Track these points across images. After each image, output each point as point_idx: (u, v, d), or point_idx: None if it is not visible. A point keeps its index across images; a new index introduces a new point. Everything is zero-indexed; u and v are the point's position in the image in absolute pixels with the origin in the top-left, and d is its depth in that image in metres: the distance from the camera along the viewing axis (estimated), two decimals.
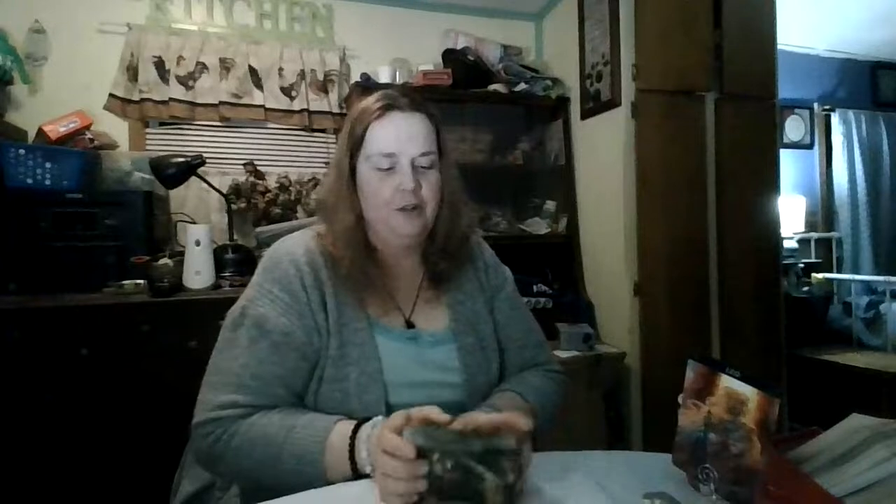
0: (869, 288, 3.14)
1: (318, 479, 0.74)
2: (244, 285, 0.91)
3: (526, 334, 1.04)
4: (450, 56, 2.59)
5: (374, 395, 0.82)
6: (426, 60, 2.59)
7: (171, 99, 2.33)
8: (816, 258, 3.47)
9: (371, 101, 0.89)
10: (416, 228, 0.88)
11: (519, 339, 1.02)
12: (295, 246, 0.89)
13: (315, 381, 0.84)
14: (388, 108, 0.88)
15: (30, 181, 1.86)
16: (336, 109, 2.58)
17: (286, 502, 0.69)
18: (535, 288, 2.40)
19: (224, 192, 2.25)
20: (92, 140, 2.13)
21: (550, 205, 2.66)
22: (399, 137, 0.86)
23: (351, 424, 0.76)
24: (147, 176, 2.06)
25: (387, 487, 0.66)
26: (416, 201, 0.86)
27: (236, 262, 2.00)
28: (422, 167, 0.88)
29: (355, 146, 0.89)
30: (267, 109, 2.47)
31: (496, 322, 1.01)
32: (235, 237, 2.15)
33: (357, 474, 0.74)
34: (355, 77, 2.54)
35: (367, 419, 0.76)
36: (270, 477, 0.77)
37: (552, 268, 2.60)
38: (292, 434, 0.76)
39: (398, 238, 0.89)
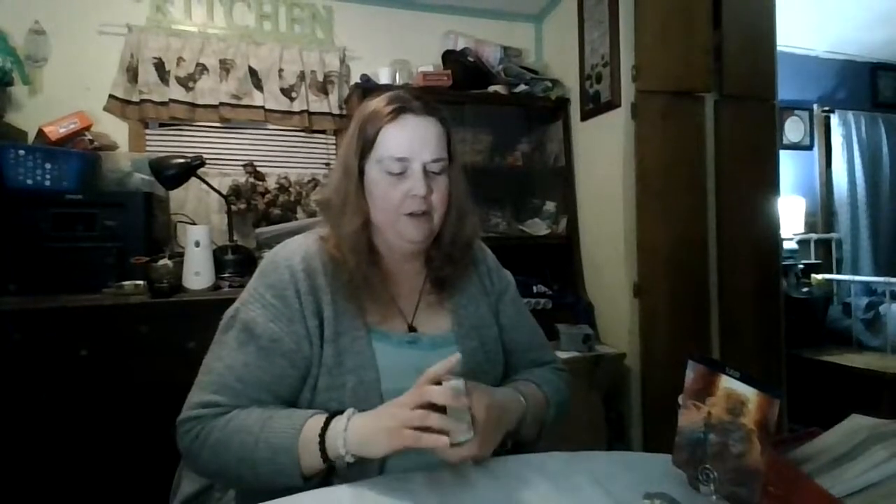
0: (868, 289, 3.15)
1: (293, 469, 0.74)
2: (243, 286, 0.91)
3: (531, 337, 1.05)
4: (450, 57, 2.59)
5: (370, 403, 0.81)
6: (426, 62, 2.59)
7: (171, 100, 2.33)
8: (816, 259, 3.47)
9: (383, 103, 0.88)
10: (423, 234, 0.87)
11: (524, 342, 1.03)
12: (294, 251, 0.89)
13: (308, 390, 0.84)
14: (401, 110, 0.86)
15: (30, 182, 1.86)
16: (336, 111, 2.58)
17: (285, 502, 0.69)
18: (534, 289, 2.40)
19: (224, 193, 2.25)
20: (92, 141, 2.13)
21: (550, 206, 2.66)
22: (412, 142, 0.85)
23: (324, 415, 0.77)
24: (147, 177, 2.06)
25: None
26: (426, 207, 0.86)
27: (236, 263, 2.00)
28: (432, 172, 0.87)
29: (365, 148, 0.87)
30: (267, 111, 2.47)
31: (501, 326, 1.01)
32: (235, 238, 2.15)
33: (328, 465, 0.74)
34: (355, 78, 2.54)
35: (341, 412, 0.77)
36: (248, 471, 0.76)
37: (552, 269, 2.60)
38: (268, 424, 0.76)
39: (404, 244, 0.89)
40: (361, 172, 0.89)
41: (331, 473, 0.78)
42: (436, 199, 0.87)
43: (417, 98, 0.90)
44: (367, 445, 0.72)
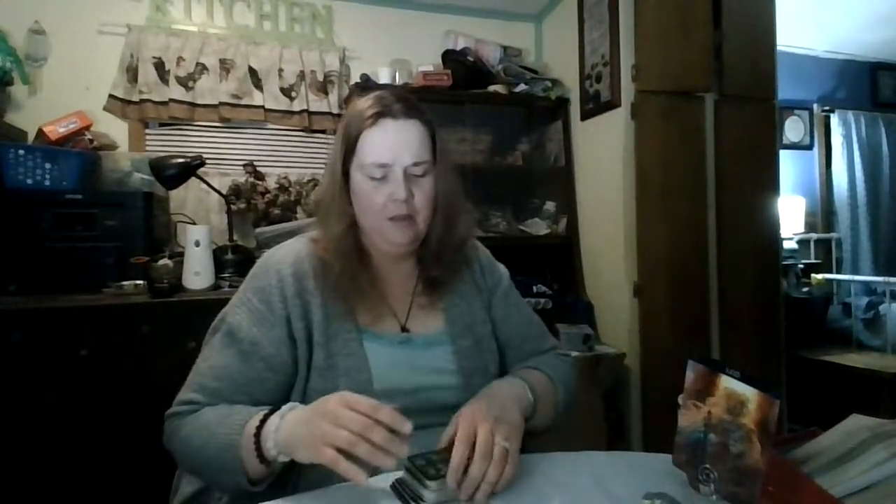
0: (868, 288, 3.14)
1: (238, 468, 0.72)
2: None
3: (527, 327, 1.04)
4: (449, 57, 2.60)
5: None
6: (426, 61, 2.59)
7: (170, 100, 2.33)
8: (816, 259, 3.47)
9: (364, 107, 0.87)
10: (407, 238, 0.87)
11: (521, 334, 1.02)
12: (285, 254, 0.89)
13: (297, 393, 0.84)
14: (380, 115, 0.85)
15: (29, 182, 1.86)
16: (336, 110, 2.58)
17: (283, 503, 0.69)
18: (534, 289, 2.40)
19: (224, 192, 2.25)
20: (91, 141, 2.13)
21: (550, 206, 2.66)
22: (392, 147, 0.84)
23: (264, 412, 0.74)
24: (147, 177, 2.06)
25: (336, 438, 0.63)
26: (409, 211, 0.85)
27: (236, 262, 2.01)
28: (415, 175, 0.86)
29: (348, 152, 0.88)
30: (267, 110, 2.47)
31: (495, 320, 1.00)
32: (235, 238, 2.15)
33: (264, 465, 0.71)
34: (355, 78, 2.54)
35: (277, 409, 0.74)
36: (205, 468, 0.77)
37: (552, 269, 2.60)
38: (224, 421, 0.76)
39: (390, 247, 0.89)
40: (347, 175, 0.89)
41: (286, 480, 0.77)
42: (419, 201, 0.86)
43: (400, 99, 0.88)
44: (292, 449, 0.69)
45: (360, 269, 0.89)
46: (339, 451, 0.63)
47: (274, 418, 0.72)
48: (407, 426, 0.65)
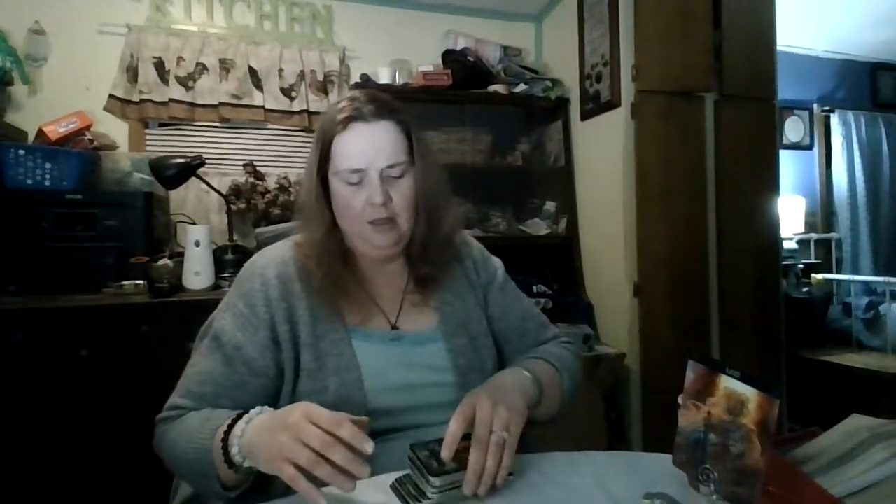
0: (868, 289, 3.14)
1: (212, 473, 0.72)
2: None
3: (525, 320, 1.03)
4: (449, 57, 2.60)
5: (354, 404, 0.80)
6: (426, 61, 2.59)
7: (170, 100, 2.33)
8: (816, 259, 3.47)
9: (336, 111, 0.85)
10: (389, 241, 0.86)
11: (519, 328, 1.01)
12: (270, 259, 0.89)
13: (286, 396, 0.84)
14: (351, 119, 0.83)
15: (30, 182, 1.87)
16: None
17: (283, 503, 0.69)
18: (534, 289, 2.40)
19: (224, 192, 2.25)
20: (91, 141, 2.13)
21: (550, 206, 2.66)
22: (365, 152, 0.83)
23: (234, 416, 0.74)
24: (147, 177, 2.06)
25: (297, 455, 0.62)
26: (388, 214, 0.84)
27: (236, 262, 2.00)
28: (392, 177, 0.85)
29: (323, 157, 0.86)
30: (267, 110, 2.47)
31: (492, 316, 1.00)
32: (235, 238, 2.15)
33: (233, 470, 0.70)
34: (355, 78, 2.54)
35: (246, 412, 0.73)
36: (188, 472, 0.77)
37: (552, 269, 2.60)
38: (205, 425, 0.76)
39: (374, 250, 0.88)
40: (324, 179, 0.88)
41: (265, 487, 0.76)
42: (398, 204, 0.85)
43: (372, 101, 0.86)
44: (254, 457, 0.68)
45: (344, 273, 0.88)
46: (301, 467, 0.61)
47: (241, 423, 0.71)
48: (368, 446, 0.63)
